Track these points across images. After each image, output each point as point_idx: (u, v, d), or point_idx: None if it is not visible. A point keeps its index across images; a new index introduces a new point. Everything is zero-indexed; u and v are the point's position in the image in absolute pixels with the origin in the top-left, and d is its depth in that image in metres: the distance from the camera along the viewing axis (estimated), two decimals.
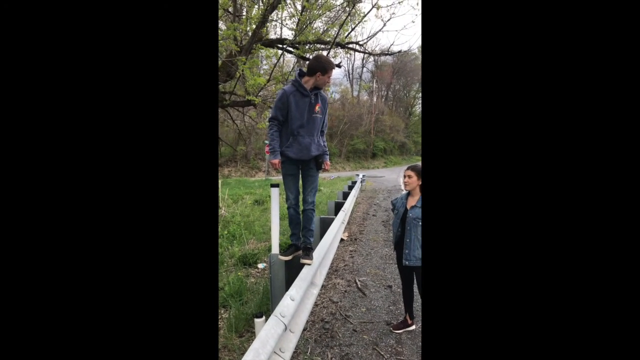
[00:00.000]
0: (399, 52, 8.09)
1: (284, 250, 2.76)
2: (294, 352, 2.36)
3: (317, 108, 2.52)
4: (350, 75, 36.71)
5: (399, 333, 2.74)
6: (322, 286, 3.63)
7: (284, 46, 6.25)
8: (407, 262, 2.50)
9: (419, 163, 2.70)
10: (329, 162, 2.70)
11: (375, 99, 38.53)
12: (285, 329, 1.64)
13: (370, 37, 7.34)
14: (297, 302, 1.91)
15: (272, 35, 6.81)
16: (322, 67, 2.41)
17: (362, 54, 7.41)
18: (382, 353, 2.47)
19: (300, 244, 2.76)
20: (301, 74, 2.49)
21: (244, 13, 6.15)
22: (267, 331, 1.50)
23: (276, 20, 6.68)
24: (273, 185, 2.67)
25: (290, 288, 2.03)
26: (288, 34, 6.55)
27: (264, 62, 9.07)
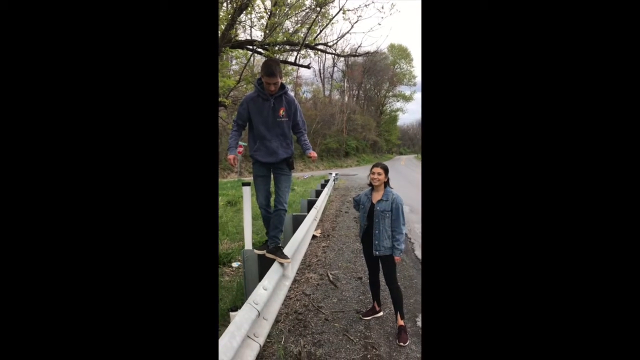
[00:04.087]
0: (367, 53, 8.34)
1: (258, 246, 2.86)
2: (269, 341, 2.49)
3: (281, 112, 2.56)
4: (322, 75, 37.00)
5: (367, 320, 2.92)
6: (296, 280, 3.76)
7: (254, 47, 6.32)
8: (377, 253, 2.67)
9: (384, 162, 2.88)
10: (313, 152, 2.67)
11: (346, 98, 39.00)
12: (259, 315, 1.77)
13: (338, 39, 7.55)
14: (269, 291, 2.04)
15: (241, 37, 6.85)
16: (261, 70, 2.52)
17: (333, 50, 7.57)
18: (352, 338, 2.64)
19: (269, 244, 2.75)
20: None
21: None
22: (242, 316, 1.62)
23: (244, 22, 6.73)
24: (244, 184, 2.78)
25: (263, 279, 2.16)
26: (258, 35, 6.62)
27: (234, 62, 9.05)
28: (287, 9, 6.23)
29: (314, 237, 5.51)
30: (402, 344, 2.54)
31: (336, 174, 12.88)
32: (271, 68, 2.42)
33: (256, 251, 2.73)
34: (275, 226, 2.72)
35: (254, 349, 1.67)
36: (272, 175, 2.75)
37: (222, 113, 6.67)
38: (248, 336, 1.67)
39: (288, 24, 7.07)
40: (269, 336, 2.53)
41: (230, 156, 2.57)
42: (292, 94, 2.76)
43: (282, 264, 2.63)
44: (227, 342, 1.41)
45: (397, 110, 51.88)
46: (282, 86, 2.56)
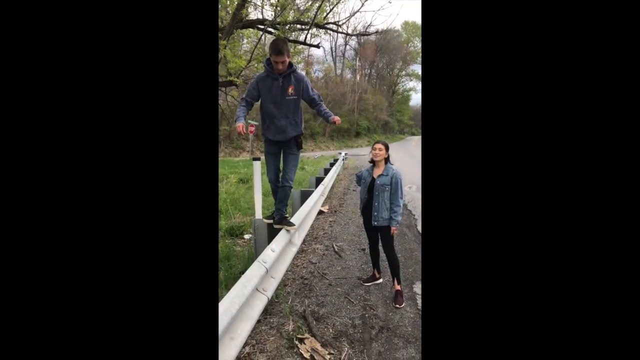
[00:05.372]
0: (377, 32, 8.31)
1: (267, 216, 3.09)
2: (277, 301, 2.76)
3: (290, 90, 2.66)
4: (334, 53, 36.51)
5: (368, 285, 3.17)
6: (303, 250, 4.03)
7: (264, 27, 6.41)
8: (375, 223, 2.88)
9: (385, 140, 3.05)
10: (336, 117, 2.74)
11: (358, 77, 38.52)
12: (267, 272, 2.01)
13: (349, 18, 7.55)
14: (277, 253, 2.28)
15: (252, 16, 6.92)
16: (269, 49, 2.60)
17: (344, 30, 7.56)
18: (353, 300, 2.89)
19: (275, 216, 2.96)
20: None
21: None
22: (252, 271, 1.87)
23: (254, 0, 6.79)
24: (255, 159, 2.99)
25: (271, 242, 2.40)
26: (268, 15, 6.69)
27: (245, 40, 9.16)
28: None
29: (321, 212, 5.75)
30: (397, 305, 2.78)
31: (345, 154, 13.07)
32: (279, 47, 2.50)
33: (265, 220, 2.97)
34: (280, 200, 2.93)
35: (262, 300, 1.92)
36: (282, 153, 2.89)
37: (233, 92, 6.84)
38: (257, 289, 1.92)
39: (298, 2, 7.11)
40: (276, 296, 2.80)
41: (239, 124, 2.56)
42: (302, 72, 2.86)
43: (288, 231, 2.87)
44: (239, 290, 1.65)
45: (410, 90, 51.21)
46: (290, 65, 2.64)
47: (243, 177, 9.39)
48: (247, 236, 4.77)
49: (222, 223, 5.15)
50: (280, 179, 2.94)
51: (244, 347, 2.05)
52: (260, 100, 2.78)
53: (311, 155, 18.37)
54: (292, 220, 3.08)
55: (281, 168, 2.95)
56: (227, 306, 1.49)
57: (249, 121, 18.85)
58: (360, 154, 19.37)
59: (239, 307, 1.58)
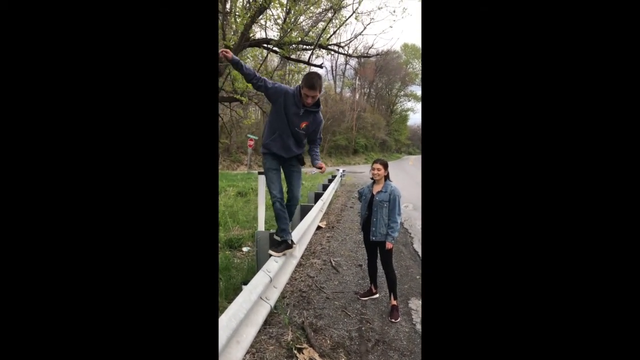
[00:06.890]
0: (377, 54, 8.62)
1: (275, 245, 2.90)
2: (276, 312, 2.83)
3: (302, 125, 2.64)
4: (334, 72, 37.20)
5: (364, 300, 3.25)
6: (301, 264, 4.10)
7: (270, 46, 6.64)
8: (374, 238, 2.99)
9: (384, 159, 3.19)
10: (322, 163, 2.81)
11: (357, 96, 39.13)
12: (271, 281, 2.10)
13: (351, 40, 7.84)
14: (279, 264, 2.38)
15: (257, 35, 7.17)
16: (302, 80, 2.57)
17: (345, 51, 7.84)
18: (349, 314, 2.97)
19: (278, 233, 2.87)
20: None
21: (229, 9, 6.49)
22: (257, 280, 1.96)
23: (261, 20, 7.05)
24: (260, 173, 3.10)
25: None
26: (273, 35, 6.93)
27: (249, 56, 9.43)
28: (303, 6, 6.52)
29: (319, 228, 5.84)
30: (393, 320, 2.86)
31: (343, 171, 13.26)
32: (312, 81, 2.47)
33: (271, 252, 2.78)
34: (287, 217, 2.86)
35: (265, 308, 2.01)
36: (283, 170, 2.87)
37: (239, 110, 7.00)
38: (261, 298, 2.01)
39: (303, 23, 7.39)
40: (275, 308, 2.87)
41: (226, 54, 2.35)
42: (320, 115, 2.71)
43: (284, 254, 2.86)
44: (245, 296, 1.74)
45: (408, 110, 52.02)
46: (318, 104, 2.63)
47: (241, 191, 9.48)
48: (245, 249, 4.84)
49: (221, 235, 5.20)
50: (285, 197, 2.89)
51: (244, 355, 2.12)
52: (273, 108, 2.70)
53: (309, 171, 18.53)
54: (293, 234, 3.16)
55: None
56: (235, 311, 1.58)
57: (248, 135, 19.05)
58: (357, 171, 19.58)
59: (246, 313, 1.67)
